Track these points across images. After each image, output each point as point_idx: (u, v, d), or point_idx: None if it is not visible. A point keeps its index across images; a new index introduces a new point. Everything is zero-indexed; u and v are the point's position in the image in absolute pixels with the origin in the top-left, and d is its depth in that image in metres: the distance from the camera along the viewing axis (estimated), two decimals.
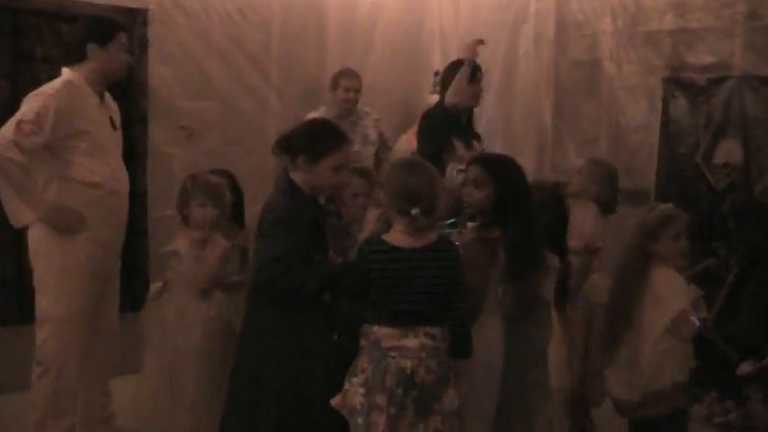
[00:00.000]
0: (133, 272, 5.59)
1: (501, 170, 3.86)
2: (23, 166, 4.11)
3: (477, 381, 3.67)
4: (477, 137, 5.75)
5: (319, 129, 3.84)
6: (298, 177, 3.64)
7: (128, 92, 5.67)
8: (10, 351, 4.92)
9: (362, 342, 3.47)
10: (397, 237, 3.47)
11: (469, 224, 3.92)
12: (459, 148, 5.18)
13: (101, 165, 4.36)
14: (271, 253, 3.49)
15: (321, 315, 3.65)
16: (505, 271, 3.70)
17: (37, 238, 4.30)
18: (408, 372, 3.33)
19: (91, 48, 4.34)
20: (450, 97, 5.41)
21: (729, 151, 5.80)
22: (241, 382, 3.71)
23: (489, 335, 3.72)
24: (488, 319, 3.72)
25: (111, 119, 4.54)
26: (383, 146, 6.68)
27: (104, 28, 4.44)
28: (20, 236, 4.49)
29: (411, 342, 3.37)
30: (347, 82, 6.39)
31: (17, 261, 5.23)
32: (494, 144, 6.97)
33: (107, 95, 4.55)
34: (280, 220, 3.52)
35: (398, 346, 3.37)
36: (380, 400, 3.34)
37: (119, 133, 4.63)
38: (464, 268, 3.52)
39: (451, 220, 4.08)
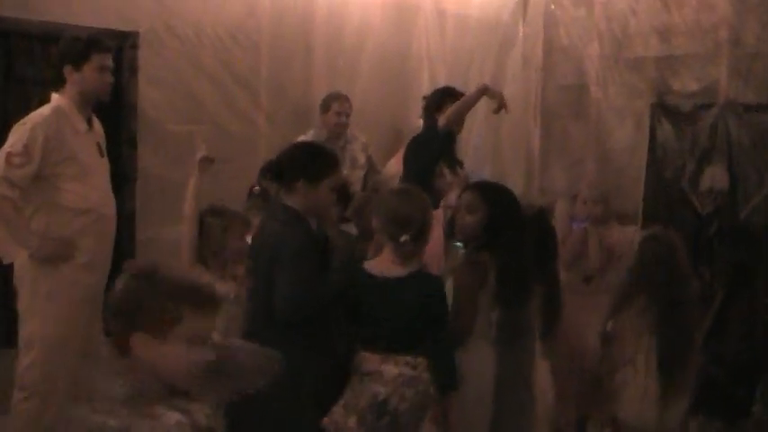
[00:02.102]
0: None
1: (494, 196, 3.89)
2: (14, 201, 4.09)
3: (468, 405, 3.68)
4: (460, 163, 5.76)
5: (314, 151, 3.84)
6: (294, 202, 3.63)
7: (117, 114, 5.67)
8: None
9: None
10: (379, 264, 3.52)
11: (459, 249, 3.94)
12: (447, 173, 5.20)
13: (89, 190, 4.35)
14: (297, 283, 3.45)
15: (321, 338, 3.61)
16: (495, 296, 3.72)
17: (24, 263, 4.27)
18: (381, 398, 3.35)
19: (67, 70, 4.32)
20: (443, 120, 5.38)
21: (715, 177, 5.85)
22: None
23: (480, 360, 3.72)
24: (479, 343, 3.73)
25: (98, 144, 4.51)
26: (371, 170, 6.68)
27: (78, 49, 4.36)
28: None
29: (389, 369, 3.39)
30: (339, 106, 6.40)
31: (2, 285, 5.19)
32: (482, 167, 7.01)
33: (95, 120, 4.53)
34: (297, 251, 3.50)
35: (376, 372, 3.40)
36: (352, 422, 3.36)
37: (105, 159, 4.59)
38: (454, 292, 3.55)
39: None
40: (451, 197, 4.86)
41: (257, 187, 4.85)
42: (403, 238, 3.41)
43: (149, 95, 5.95)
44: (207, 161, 4.58)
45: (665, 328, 3.75)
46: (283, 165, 3.68)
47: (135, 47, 5.83)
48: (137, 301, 2.12)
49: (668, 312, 3.74)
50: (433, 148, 5.37)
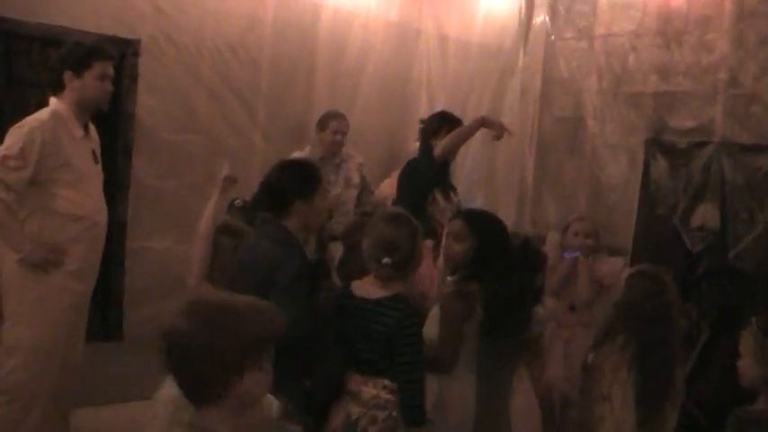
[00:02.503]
0: (108, 302, 5.56)
1: (482, 225, 3.88)
2: (8, 204, 4.06)
3: None
4: (454, 189, 5.76)
5: (297, 169, 3.86)
6: (290, 223, 3.66)
7: (114, 121, 5.67)
8: None
9: None
10: (362, 286, 3.54)
11: (449, 278, 3.93)
12: (441, 200, 5.20)
13: (83, 197, 4.31)
14: (299, 310, 3.40)
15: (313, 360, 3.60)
16: (481, 326, 3.71)
17: (12, 267, 4.21)
18: (353, 419, 3.36)
19: (67, 75, 4.28)
20: (439, 150, 5.39)
21: (706, 215, 5.86)
22: None
23: (463, 389, 3.72)
24: (462, 372, 3.72)
25: (93, 151, 4.48)
26: (365, 189, 6.68)
27: (80, 56, 4.32)
28: None
29: (367, 390, 3.40)
30: (336, 124, 6.41)
31: None
32: (475, 195, 7.03)
33: (91, 127, 4.50)
34: (298, 275, 3.52)
35: (356, 392, 3.41)
36: None
37: (99, 166, 4.56)
38: (440, 320, 3.55)
39: None
40: None
41: (238, 200, 4.83)
42: (384, 261, 3.43)
43: (147, 104, 5.96)
44: (230, 181, 4.59)
45: (644, 365, 3.74)
46: (274, 191, 3.71)
47: (136, 54, 5.85)
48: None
49: (649, 349, 3.72)
50: (427, 176, 5.38)
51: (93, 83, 4.33)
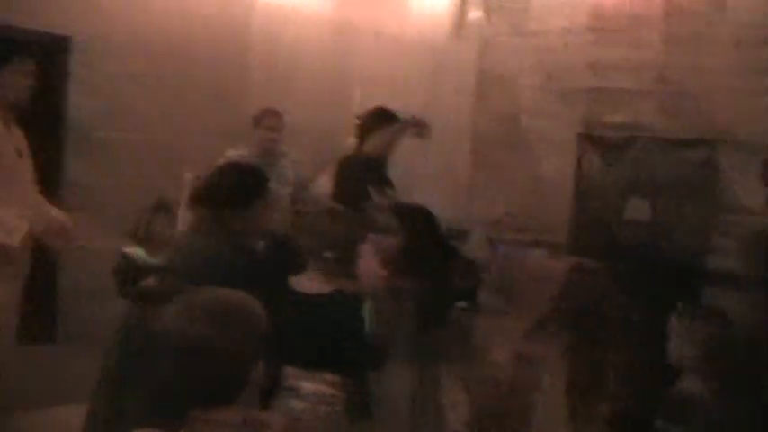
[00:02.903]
0: (40, 304, 5.47)
1: (414, 219, 3.91)
2: None
3: (386, 425, 3.69)
4: (390, 183, 5.78)
5: (238, 175, 3.82)
6: (231, 223, 3.63)
7: (44, 120, 5.57)
8: None
9: None
10: (302, 280, 3.51)
11: (381, 272, 3.94)
12: (375, 195, 5.21)
13: (7, 195, 4.20)
14: None
15: None
16: (414, 320, 3.74)
17: None
18: (295, 414, 3.33)
19: None
20: (370, 148, 5.41)
21: (638, 209, 5.96)
22: None
23: (399, 382, 3.75)
24: (398, 366, 3.75)
25: (17, 148, 4.36)
26: (300, 187, 6.67)
27: None
28: None
29: (308, 385, 3.37)
30: (270, 121, 6.38)
31: None
32: (409, 191, 7.03)
33: (12, 125, 4.36)
34: (229, 271, 3.43)
35: (295, 387, 3.37)
36: None
37: (25, 161, 4.44)
38: (374, 316, 3.56)
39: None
40: None
41: None
42: (326, 254, 3.42)
43: (80, 102, 5.87)
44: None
45: (576, 356, 3.80)
46: (212, 192, 3.68)
47: (67, 52, 5.74)
48: None
49: (581, 341, 3.78)
50: (359, 173, 5.39)
51: (12, 78, 4.21)
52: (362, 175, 5.34)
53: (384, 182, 5.55)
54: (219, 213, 3.61)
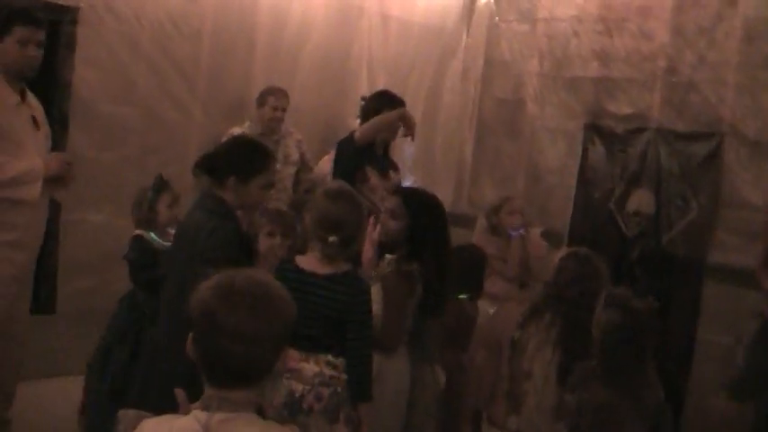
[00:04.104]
0: (42, 276, 5.46)
1: (418, 204, 3.90)
2: None
3: (384, 408, 3.69)
4: (395, 166, 5.77)
5: (247, 148, 3.83)
6: (227, 196, 3.63)
7: (50, 91, 5.55)
8: None
9: None
10: (308, 261, 3.50)
11: (388, 256, 3.94)
12: (373, 176, 5.21)
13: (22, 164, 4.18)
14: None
15: None
16: (419, 306, 3.74)
17: None
18: (297, 395, 3.33)
19: None
20: (358, 134, 5.39)
21: (642, 200, 5.95)
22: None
23: (400, 364, 3.76)
24: (400, 349, 3.76)
25: (33, 117, 4.35)
26: (304, 166, 6.66)
27: (0, 20, 4.16)
28: None
29: (309, 367, 3.37)
30: (275, 100, 6.37)
31: None
32: (413, 175, 7.03)
33: (29, 93, 4.37)
34: (224, 244, 3.48)
35: (295, 369, 3.37)
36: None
37: (42, 132, 4.44)
38: (384, 300, 3.55)
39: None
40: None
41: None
42: (331, 239, 3.40)
43: (84, 74, 5.84)
44: None
45: (568, 346, 3.78)
46: (217, 159, 3.68)
47: (74, 23, 5.71)
48: None
49: (574, 331, 3.76)
50: (349, 158, 5.38)
51: (13, 48, 4.17)
52: (359, 156, 5.33)
53: (385, 163, 5.54)
54: (222, 183, 3.61)
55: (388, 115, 5.42)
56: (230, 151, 3.76)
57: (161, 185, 4.49)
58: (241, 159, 3.67)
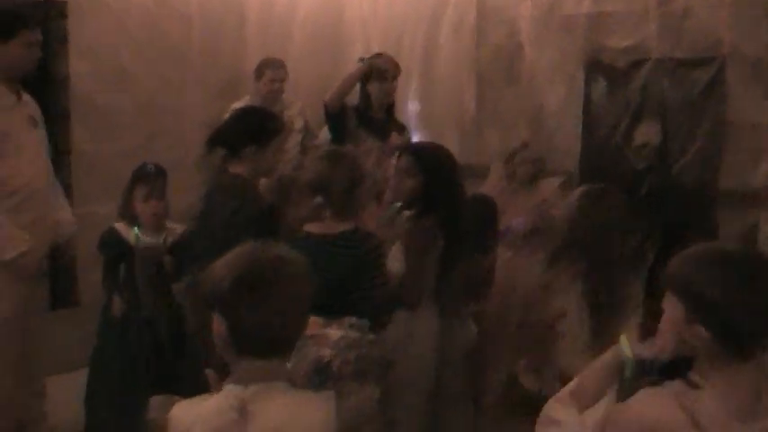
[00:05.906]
0: (58, 269, 5.49)
1: (430, 160, 3.90)
2: None
3: (413, 366, 3.71)
4: (400, 127, 5.76)
5: (258, 115, 3.88)
6: (241, 170, 3.66)
7: (47, 87, 5.54)
8: None
9: None
10: (316, 224, 3.54)
11: (405, 212, 3.95)
12: (368, 140, 5.25)
13: (23, 165, 4.23)
14: None
15: None
16: (441, 258, 3.75)
17: None
18: (326, 360, 3.33)
19: None
20: (327, 99, 5.42)
21: (648, 132, 5.91)
22: None
23: (427, 323, 3.77)
24: (426, 307, 3.77)
25: (31, 117, 4.39)
26: (309, 134, 6.67)
27: (4, 24, 4.18)
28: None
29: (333, 332, 3.36)
30: (272, 72, 6.38)
31: None
32: (416, 130, 7.02)
33: (25, 94, 4.39)
34: (248, 222, 3.52)
35: (319, 335, 3.35)
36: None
37: (41, 132, 4.48)
38: (405, 256, 3.57)
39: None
40: None
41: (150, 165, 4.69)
42: (317, 200, 3.43)
43: (78, 68, 5.82)
44: None
45: (593, 286, 3.78)
46: (231, 131, 3.70)
47: (64, 16, 5.69)
48: None
49: (597, 267, 3.76)
50: (332, 126, 5.47)
51: (19, 51, 4.20)
52: (338, 121, 5.36)
53: (386, 127, 5.55)
54: (239, 154, 3.63)
55: (349, 74, 5.46)
56: (243, 120, 3.82)
57: (136, 176, 4.46)
58: (256, 126, 3.73)
